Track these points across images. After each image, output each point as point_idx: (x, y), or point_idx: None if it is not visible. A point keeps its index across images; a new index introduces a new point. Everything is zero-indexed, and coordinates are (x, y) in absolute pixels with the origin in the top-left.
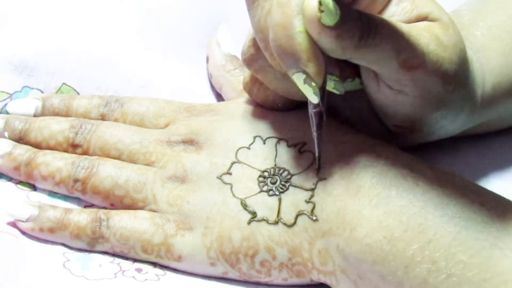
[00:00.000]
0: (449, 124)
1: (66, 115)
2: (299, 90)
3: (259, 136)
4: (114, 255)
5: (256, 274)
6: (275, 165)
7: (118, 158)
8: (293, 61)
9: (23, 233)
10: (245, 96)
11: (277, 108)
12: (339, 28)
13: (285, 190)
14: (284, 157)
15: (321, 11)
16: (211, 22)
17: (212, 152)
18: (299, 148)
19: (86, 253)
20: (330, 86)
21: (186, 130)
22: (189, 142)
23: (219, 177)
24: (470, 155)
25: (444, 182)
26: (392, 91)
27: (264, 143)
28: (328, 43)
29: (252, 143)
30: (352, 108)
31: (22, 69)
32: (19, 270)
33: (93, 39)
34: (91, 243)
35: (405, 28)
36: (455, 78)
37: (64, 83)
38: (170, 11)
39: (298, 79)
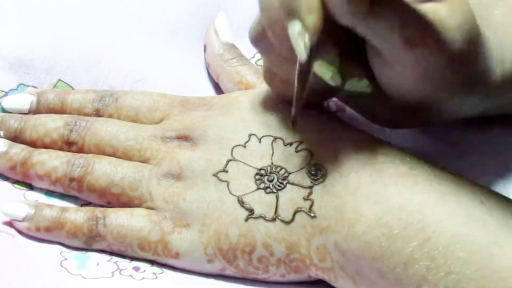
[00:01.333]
0: (459, 105)
1: (61, 110)
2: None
3: (254, 135)
4: (112, 253)
5: (254, 271)
6: (272, 163)
7: (113, 155)
8: (293, 9)
9: (20, 232)
10: (241, 88)
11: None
12: None
13: (283, 188)
14: (281, 155)
15: None
16: (207, 14)
17: (207, 149)
18: (296, 147)
19: (83, 252)
20: (327, 75)
21: (180, 125)
22: (183, 138)
23: (215, 175)
24: (470, 153)
25: (443, 180)
26: (394, 72)
27: (260, 142)
28: (338, 4)
29: (247, 141)
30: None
31: (18, 66)
32: (16, 270)
33: (88, 34)
34: (88, 241)
35: (411, 4)
36: (460, 58)
37: (59, 80)
38: (165, 2)
39: (293, 29)
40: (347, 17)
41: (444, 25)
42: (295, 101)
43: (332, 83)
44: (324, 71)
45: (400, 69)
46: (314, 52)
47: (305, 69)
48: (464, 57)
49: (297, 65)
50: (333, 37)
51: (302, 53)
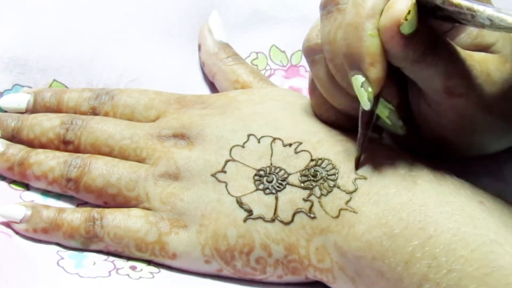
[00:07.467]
0: (488, 146)
1: (57, 109)
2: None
3: (253, 135)
4: (108, 253)
5: (251, 271)
6: (271, 164)
7: (109, 154)
8: (356, 63)
9: (17, 232)
10: (237, 87)
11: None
12: (409, 38)
13: (282, 189)
14: (280, 156)
15: (406, 20)
16: (200, 12)
17: (205, 148)
18: (295, 148)
19: (80, 251)
20: (384, 114)
21: (177, 123)
22: (179, 136)
23: (214, 175)
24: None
25: (443, 181)
26: (431, 110)
27: (259, 142)
28: (393, 48)
29: (246, 142)
30: None
31: (13, 67)
32: (13, 269)
33: (82, 34)
34: (85, 242)
35: (461, 55)
36: (498, 111)
37: (54, 80)
38: (159, 1)
39: (356, 81)
40: (399, 61)
41: (490, 79)
42: (359, 145)
43: (388, 121)
44: (382, 109)
45: (437, 110)
46: (377, 99)
47: (369, 115)
48: (503, 110)
49: (360, 111)
50: (392, 77)
51: (366, 104)
